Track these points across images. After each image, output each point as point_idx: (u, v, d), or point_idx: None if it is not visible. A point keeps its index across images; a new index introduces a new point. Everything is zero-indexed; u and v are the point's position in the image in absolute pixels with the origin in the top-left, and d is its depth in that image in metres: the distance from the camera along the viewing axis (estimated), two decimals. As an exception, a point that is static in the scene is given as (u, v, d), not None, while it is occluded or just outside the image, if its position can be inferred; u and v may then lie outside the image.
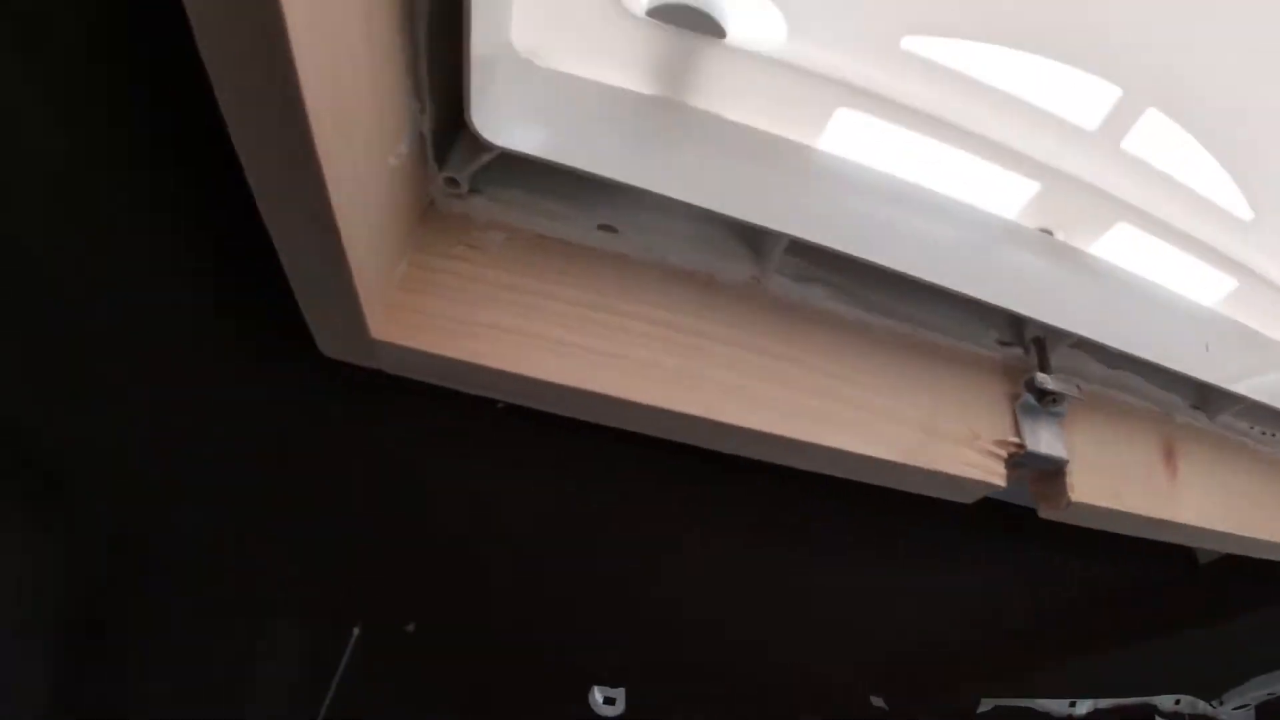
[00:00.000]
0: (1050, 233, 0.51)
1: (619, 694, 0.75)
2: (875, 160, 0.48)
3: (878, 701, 0.76)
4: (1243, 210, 0.56)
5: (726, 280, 0.45)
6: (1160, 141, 0.52)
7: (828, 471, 0.44)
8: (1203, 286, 0.57)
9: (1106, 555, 0.68)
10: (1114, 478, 0.50)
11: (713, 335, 0.43)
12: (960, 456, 0.45)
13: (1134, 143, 0.51)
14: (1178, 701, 0.87)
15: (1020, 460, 0.47)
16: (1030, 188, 0.50)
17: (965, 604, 0.73)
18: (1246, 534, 0.56)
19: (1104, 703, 0.84)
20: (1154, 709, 0.87)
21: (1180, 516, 0.52)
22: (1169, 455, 0.53)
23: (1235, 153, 0.54)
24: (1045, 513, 0.49)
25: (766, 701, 0.74)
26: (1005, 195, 0.50)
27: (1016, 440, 0.46)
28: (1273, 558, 0.60)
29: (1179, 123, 0.52)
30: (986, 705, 0.79)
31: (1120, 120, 0.50)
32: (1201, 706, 0.89)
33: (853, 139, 0.47)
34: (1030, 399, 0.47)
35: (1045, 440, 0.47)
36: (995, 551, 0.69)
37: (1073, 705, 0.83)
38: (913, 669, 0.76)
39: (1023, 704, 0.81)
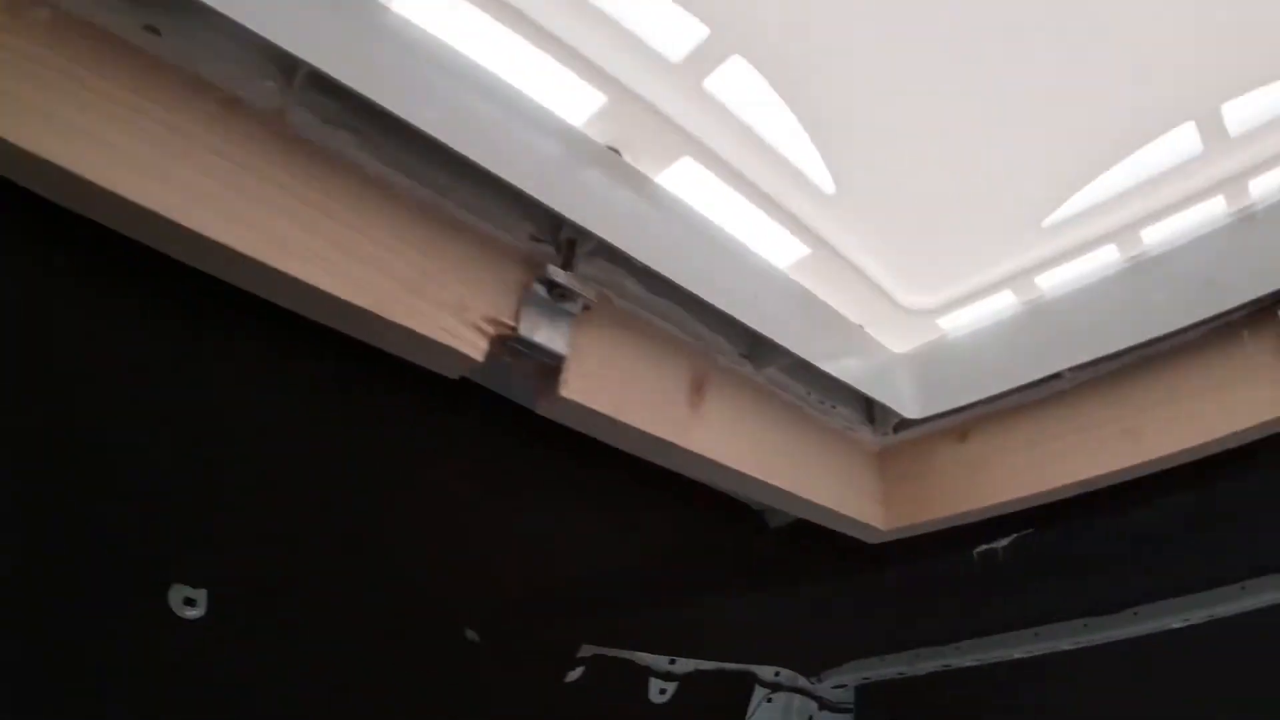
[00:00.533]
0: (618, 152, 0.53)
1: (201, 595, 0.70)
2: (448, 36, 0.49)
3: (471, 635, 0.76)
4: (826, 184, 0.60)
5: (252, 104, 0.45)
6: (745, 93, 0.55)
7: (292, 308, 0.44)
8: (775, 246, 0.60)
9: (694, 510, 0.70)
10: (622, 390, 0.52)
11: (217, 150, 0.42)
12: (439, 321, 0.45)
13: (716, 85, 0.53)
14: (778, 674, 0.92)
15: (516, 347, 0.48)
16: (597, 99, 0.51)
17: (568, 546, 0.74)
18: (775, 483, 0.59)
19: (706, 665, 0.88)
20: (754, 677, 0.91)
21: (691, 445, 0.54)
22: (698, 388, 0.56)
23: (824, 126, 0.57)
24: (540, 408, 0.50)
25: (343, 612, 0.72)
26: (573, 101, 0.51)
27: (510, 322, 0.47)
28: (810, 518, 0.64)
29: (766, 78, 0.54)
30: (587, 651, 0.81)
31: (704, 59, 0.52)
32: (801, 681, 0.94)
33: (429, 10, 0.48)
34: (541, 290, 0.49)
35: (544, 332, 0.48)
36: (598, 495, 0.70)
37: (673, 662, 0.86)
38: (512, 606, 0.76)
39: (624, 655, 0.84)
